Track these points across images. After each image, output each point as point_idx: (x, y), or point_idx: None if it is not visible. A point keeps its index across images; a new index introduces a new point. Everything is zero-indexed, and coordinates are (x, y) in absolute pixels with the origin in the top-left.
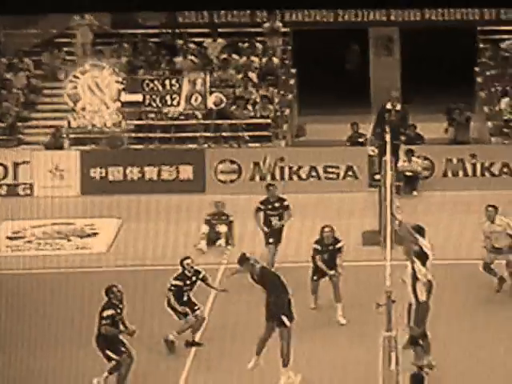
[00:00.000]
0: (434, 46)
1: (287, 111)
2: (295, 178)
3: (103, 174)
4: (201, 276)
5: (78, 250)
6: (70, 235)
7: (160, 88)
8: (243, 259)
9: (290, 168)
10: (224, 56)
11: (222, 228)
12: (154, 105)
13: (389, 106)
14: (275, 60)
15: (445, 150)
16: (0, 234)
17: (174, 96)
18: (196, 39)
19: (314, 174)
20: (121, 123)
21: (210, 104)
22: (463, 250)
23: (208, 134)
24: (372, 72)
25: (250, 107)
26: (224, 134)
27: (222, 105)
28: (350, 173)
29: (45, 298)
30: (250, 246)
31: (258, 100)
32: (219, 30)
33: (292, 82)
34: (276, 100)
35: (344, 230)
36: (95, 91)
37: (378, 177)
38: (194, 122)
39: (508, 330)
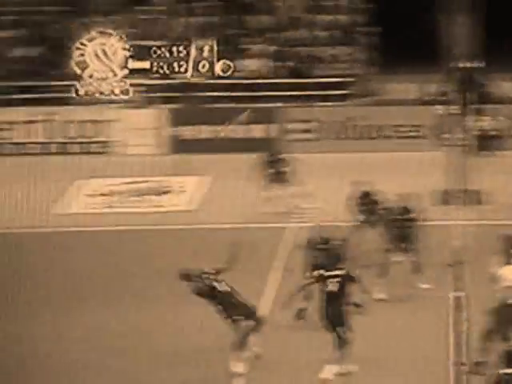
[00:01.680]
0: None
1: (359, 70)
2: (366, 136)
3: (191, 133)
4: None
5: (166, 207)
6: (158, 193)
7: (167, 55)
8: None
9: (361, 127)
10: (302, 15)
11: None
12: (162, 72)
13: (460, 64)
14: (350, 19)
15: None
16: (91, 191)
17: (181, 63)
18: None
19: (383, 133)
20: (128, 91)
21: (218, 71)
22: None
23: (282, 93)
24: (444, 31)
25: (323, 66)
26: (298, 93)
27: (229, 72)
28: (420, 132)
29: (138, 254)
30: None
31: (331, 59)
32: None
33: (366, 41)
34: (348, 59)
35: (413, 190)
36: (102, 58)
37: (447, 136)
38: (269, 81)
39: None
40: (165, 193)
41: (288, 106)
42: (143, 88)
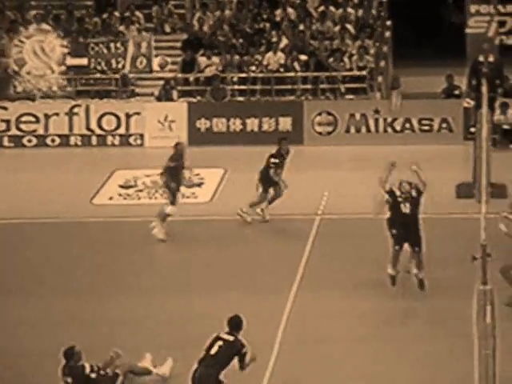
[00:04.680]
0: None
1: (382, 63)
2: (389, 130)
3: (208, 126)
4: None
5: (185, 199)
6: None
7: (105, 51)
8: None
9: (385, 120)
10: (322, 8)
11: None
12: (99, 68)
13: (481, 58)
14: (371, 12)
15: None
16: (113, 183)
17: (119, 59)
18: None
19: (408, 126)
20: (66, 87)
21: (155, 66)
22: None
23: (306, 86)
24: (468, 24)
25: (346, 59)
26: (321, 86)
27: (167, 67)
28: (444, 125)
29: (155, 244)
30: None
31: (354, 52)
32: None
33: (387, 34)
34: (371, 52)
35: (438, 183)
36: (40, 55)
37: (473, 129)
38: (292, 74)
39: None
40: (199, 185)
41: (311, 98)
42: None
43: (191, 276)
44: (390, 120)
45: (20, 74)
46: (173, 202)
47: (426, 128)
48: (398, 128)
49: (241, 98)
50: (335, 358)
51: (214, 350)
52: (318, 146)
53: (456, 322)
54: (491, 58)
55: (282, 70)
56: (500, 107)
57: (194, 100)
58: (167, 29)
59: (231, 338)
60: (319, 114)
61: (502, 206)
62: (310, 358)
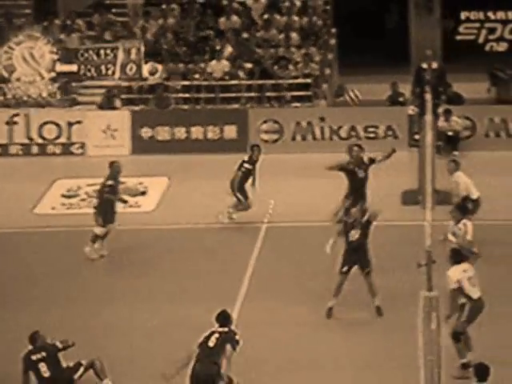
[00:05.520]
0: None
1: (328, 71)
2: (335, 137)
3: (151, 134)
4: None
5: (128, 208)
6: (121, 193)
7: (95, 58)
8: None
9: (330, 127)
10: (266, 16)
11: None
12: (89, 75)
13: (424, 65)
14: (316, 20)
15: (487, 110)
16: (55, 192)
17: (108, 66)
18: None
19: (353, 133)
20: (56, 94)
21: (145, 73)
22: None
23: (251, 94)
24: (412, 32)
25: (291, 67)
26: (267, 93)
27: (157, 74)
28: (389, 132)
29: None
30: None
31: (299, 60)
32: None
33: (332, 41)
34: (316, 60)
35: (384, 190)
36: (30, 62)
37: (418, 136)
38: (237, 82)
39: None
40: (142, 193)
41: (256, 106)
42: None
43: (131, 286)
44: (335, 127)
45: (10, 81)
46: (103, 225)
47: (372, 135)
48: (344, 135)
49: (185, 106)
50: (281, 367)
51: (212, 343)
52: (264, 154)
53: (402, 328)
54: (434, 65)
55: (226, 77)
56: (443, 114)
57: (137, 108)
58: (109, 37)
59: (226, 329)
60: (264, 121)
61: (447, 212)
62: (257, 365)
